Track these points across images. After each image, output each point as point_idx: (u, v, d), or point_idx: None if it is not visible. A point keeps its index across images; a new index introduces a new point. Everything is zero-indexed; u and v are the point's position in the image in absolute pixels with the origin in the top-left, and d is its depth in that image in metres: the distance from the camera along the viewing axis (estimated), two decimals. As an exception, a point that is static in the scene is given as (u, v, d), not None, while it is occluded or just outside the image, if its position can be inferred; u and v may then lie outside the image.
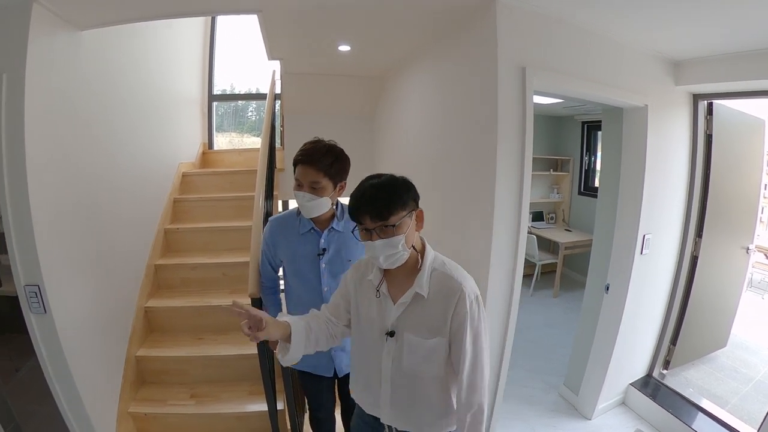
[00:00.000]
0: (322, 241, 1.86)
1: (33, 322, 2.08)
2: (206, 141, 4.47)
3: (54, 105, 2.14)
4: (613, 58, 2.49)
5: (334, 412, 2.20)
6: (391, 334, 1.36)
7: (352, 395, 1.62)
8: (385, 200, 1.25)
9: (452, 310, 1.29)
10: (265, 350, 2.16)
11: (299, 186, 1.76)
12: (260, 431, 2.51)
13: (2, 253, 4.07)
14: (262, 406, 2.40)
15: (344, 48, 3.12)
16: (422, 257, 1.36)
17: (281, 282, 2.10)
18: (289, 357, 1.35)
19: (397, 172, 1.34)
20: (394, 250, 1.28)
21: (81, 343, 2.26)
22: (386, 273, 1.39)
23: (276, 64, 3.91)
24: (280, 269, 2.05)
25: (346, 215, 1.84)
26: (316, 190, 1.74)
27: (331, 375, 1.98)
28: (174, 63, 3.68)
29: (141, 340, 2.90)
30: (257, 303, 2.06)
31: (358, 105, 4.31)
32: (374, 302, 1.40)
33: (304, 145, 1.79)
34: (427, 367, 1.35)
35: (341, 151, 1.79)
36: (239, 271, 3.17)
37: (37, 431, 2.89)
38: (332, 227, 1.86)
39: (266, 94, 4.73)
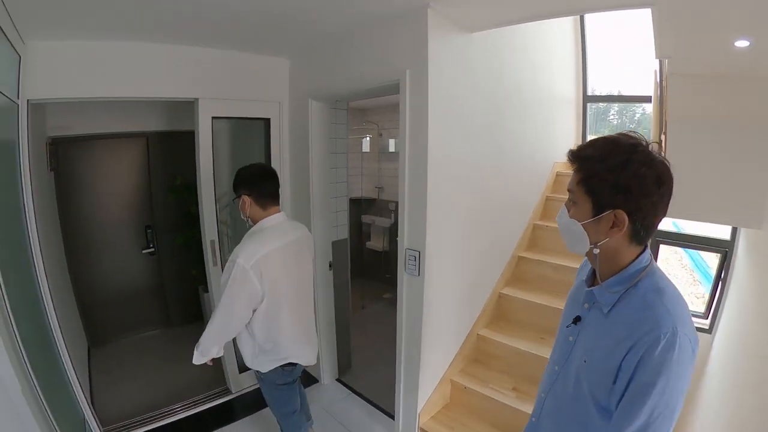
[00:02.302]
0: (584, 305, 1.18)
1: (404, 280, 2.51)
2: (579, 142, 4.38)
3: (449, 102, 2.41)
4: None
5: None
6: None
7: None
8: None
9: None
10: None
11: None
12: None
13: (379, 216, 5.36)
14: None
15: (742, 43, 2.47)
16: None
17: None
18: None
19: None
20: None
21: (438, 307, 2.60)
22: None
23: (657, 64, 3.43)
24: None
25: (628, 283, 1.05)
26: (570, 203, 1.11)
27: None
28: (548, 61, 3.69)
29: (487, 321, 3.14)
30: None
31: (756, 112, 3.33)
32: None
33: None
34: None
35: (627, 156, 0.98)
36: (597, 283, 2.98)
37: (363, 360, 3.75)
38: (592, 288, 1.14)
39: (632, 96, 4.29)
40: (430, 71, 2.20)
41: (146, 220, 4.26)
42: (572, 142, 4.30)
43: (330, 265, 3.37)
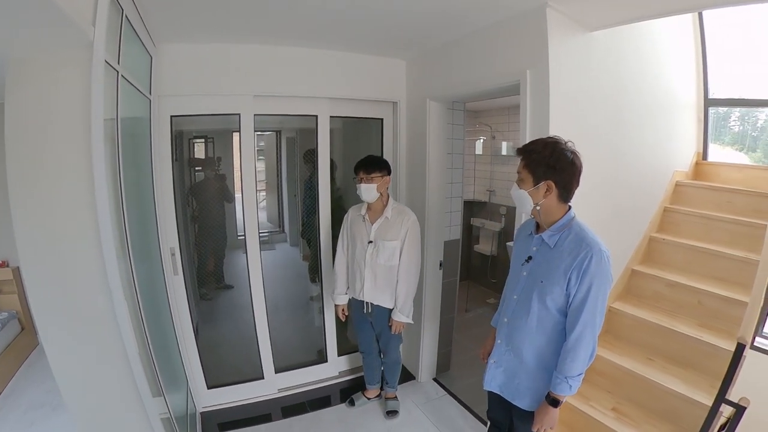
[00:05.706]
0: (533, 248, 1.80)
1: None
2: (700, 150, 3.92)
3: (570, 102, 2.28)
4: None
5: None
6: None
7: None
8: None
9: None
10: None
11: None
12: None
13: (489, 220, 5.20)
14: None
15: None
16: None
17: None
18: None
19: None
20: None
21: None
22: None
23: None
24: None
25: (563, 228, 1.71)
26: (519, 181, 1.72)
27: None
28: (668, 61, 3.33)
29: (594, 336, 2.89)
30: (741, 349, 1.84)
31: None
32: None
33: None
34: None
35: (553, 148, 1.63)
36: (718, 306, 2.68)
37: (462, 363, 3.75)
38: (541, 234, 1.77)
39: (758, 100, 3.72)
40: (551, 71, 2.13)
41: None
42: (693, 149, 3.84)
43: (440, 265, 3.36)
